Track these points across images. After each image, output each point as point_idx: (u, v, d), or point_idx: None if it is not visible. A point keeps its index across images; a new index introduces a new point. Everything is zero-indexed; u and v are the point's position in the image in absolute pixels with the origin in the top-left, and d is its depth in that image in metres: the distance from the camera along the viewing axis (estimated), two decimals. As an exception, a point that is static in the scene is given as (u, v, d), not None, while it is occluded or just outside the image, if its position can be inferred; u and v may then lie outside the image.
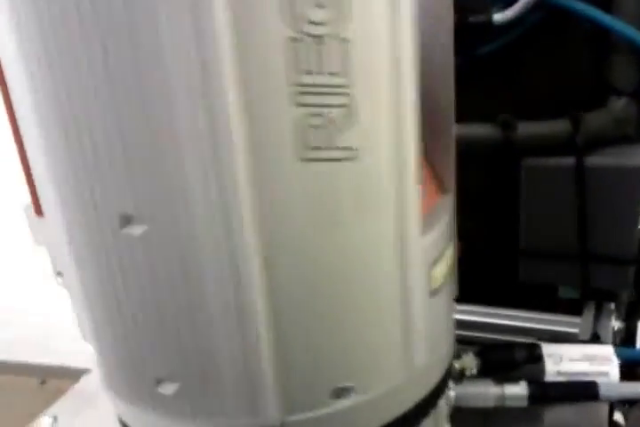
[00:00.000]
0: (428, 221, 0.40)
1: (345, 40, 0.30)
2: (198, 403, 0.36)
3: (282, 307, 0.34)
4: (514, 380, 0.60)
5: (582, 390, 0.58)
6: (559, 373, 0.61)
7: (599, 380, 0.59)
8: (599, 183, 0.67)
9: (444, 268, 0.43)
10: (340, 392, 0.37)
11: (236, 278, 0.32)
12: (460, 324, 0.80)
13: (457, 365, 0.61)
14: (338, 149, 0.31)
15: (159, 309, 0.34)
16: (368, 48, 0.31)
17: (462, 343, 0.74)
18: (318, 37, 0.29)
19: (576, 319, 0.78)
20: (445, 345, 0.47)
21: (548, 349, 0.62)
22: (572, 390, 0.58)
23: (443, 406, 0.56)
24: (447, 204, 0.46)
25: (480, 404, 0.58)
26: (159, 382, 0.36)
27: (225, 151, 0.29)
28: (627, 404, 0.70)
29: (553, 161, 0.68)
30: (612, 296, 0.79)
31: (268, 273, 0.32)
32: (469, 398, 0.58)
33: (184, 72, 0.28)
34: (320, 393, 0.37)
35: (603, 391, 0.57)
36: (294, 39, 0.29)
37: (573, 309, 0.80)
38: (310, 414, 0.37)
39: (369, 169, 0.33)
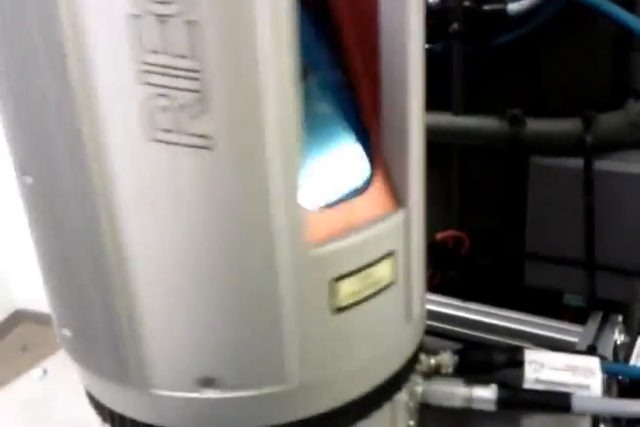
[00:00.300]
0: (332, 233, 0.38)
1: (193, 22, 0.29)
2: (85, 355, 0.39)
3: (138, 282, 0.34)
4: (489, 383, 0.58)
5: (554, 401, 0.56)
6: (538, 380, 0.59)
7: (579, 392, 0.57)
8: (608, 189, 0.63)
9: (358, 284, 0.39)
10: (207, 382, 0.37)
11: (92, 240, 0.34)
12: (457, 321, 0.79)
13: (433, 361, 0.60)
14: (190, 135, 0.31)
15: (51, 256, 0.37)
16: (223, 33, 0.29)
17: (457, 341, 0.72)
18: (162, 17, 0.28)
19: (579, 328, 0.75)
20: (364, 359, 0.44)
21: (530, 355, 0.60)
22: (543, 400, 0.56)
23: (403, 402, 0.55)
24: (394, 219, 0.42)
25: (446, 403, 0.57)
26: (63, 325, 0.39)
27: (71, 123, 0.31)
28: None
29: (561, 162, 0.65)
30: (619, 308, 0.75)
31: (118, 246, 0.34)
32: (436, 396, 0.57)
33: (35, 46, 0.31)
34: (185, 377, 0.37)
35: (576, 404, 0.55)
36: (137, 16, 0.28)
37: (582, 317, 0.77)
38: (178, 394, 0.37)
39: (227, 161, 0.32)
